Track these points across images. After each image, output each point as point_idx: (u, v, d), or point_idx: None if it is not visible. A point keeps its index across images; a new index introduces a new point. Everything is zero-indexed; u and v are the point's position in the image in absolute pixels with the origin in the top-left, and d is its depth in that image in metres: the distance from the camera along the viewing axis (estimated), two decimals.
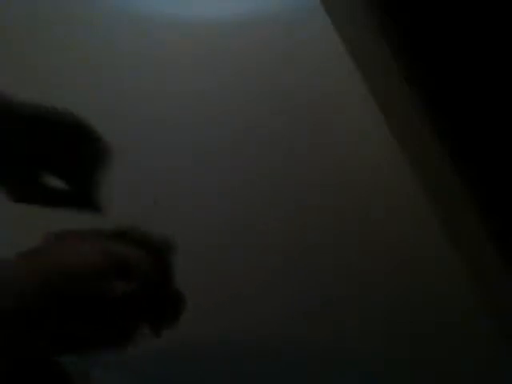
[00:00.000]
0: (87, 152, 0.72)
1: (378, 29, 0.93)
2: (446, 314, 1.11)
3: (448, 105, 0.86)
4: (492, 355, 1.07)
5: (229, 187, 1.17)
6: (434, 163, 1.04)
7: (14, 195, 0.70)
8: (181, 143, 1.21)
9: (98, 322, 0.61)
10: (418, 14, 0.82)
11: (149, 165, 1.16)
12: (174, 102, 1.24)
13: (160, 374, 1.03)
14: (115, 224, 0.67)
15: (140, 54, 1.27)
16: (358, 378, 1.06)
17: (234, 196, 1.17)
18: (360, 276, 1.14)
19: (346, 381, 1.07)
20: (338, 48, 1.14)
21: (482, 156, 0.86)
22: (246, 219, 1.16)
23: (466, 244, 1.09)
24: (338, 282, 1.13)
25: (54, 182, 0.74)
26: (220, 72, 1.27)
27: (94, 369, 0.96)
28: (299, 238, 1.16)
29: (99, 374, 0.97)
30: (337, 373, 1.06)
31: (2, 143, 0.67)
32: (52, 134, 0.69)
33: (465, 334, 1.09)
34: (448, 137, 0.89)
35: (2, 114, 0.66)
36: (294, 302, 1.11)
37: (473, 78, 0.81)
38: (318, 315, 1.10)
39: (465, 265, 1.11)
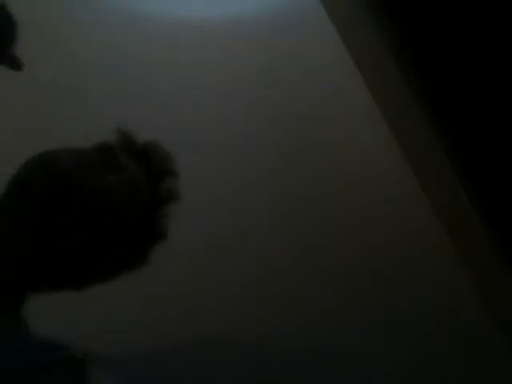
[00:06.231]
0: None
1: (378, 29, 0.93)
2: (446, 314, 1.11)
3: (447, 104, 0.86)
4: (492, 355, 1.07)
5: (229, 188, 1.17)
6: (433, 163, 1.04)
7: None
8: (179, 144, 1.20)
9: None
10: (417, 14, 0.82)
11: None
12: (174, 100, 1.24)
13: (159, 373, 1.03)
14: None
15: (140, 54, 1.27)
16: (358, 379, 1.06)
17: (234, 197, 1.17)
18: (360, 276, 1.14)
19: (346, 381, 1.07)
20: (337, 48, 1.14)
21: (482, 156, 0.86)
22: (246, 220, 1.16)
23: (467, 244, 1.09)
24: (338, 282, 1.13)
25: None
26: (220, 71, 1.27)
27: (94, 369, 0.96)
28: (299, 238, 1.16)
29: (99, 374, 0.97)
30: (337, 373, 1.07)
31: None
32: None
33: (465, 334, 1.09)
34: (448, 135, 0.89)
35: None
36: (294, 303, 1.11)
37: (472, 77, 0.81)
38: (318, 315, 1.10)
39: (465, 265, 1.11)
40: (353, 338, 1.09)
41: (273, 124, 1.24)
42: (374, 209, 1.18)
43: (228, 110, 1.23)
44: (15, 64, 0.78)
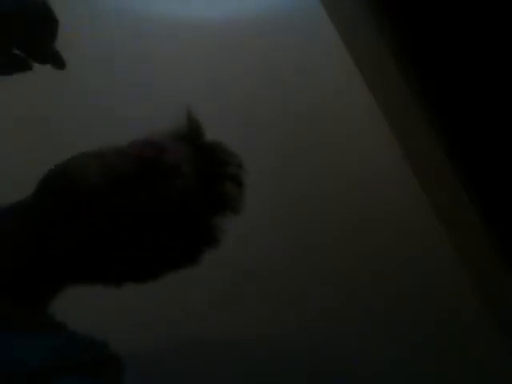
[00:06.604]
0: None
1: (378, 29, 0.93)
2: (446, 314, 1.11)
3: (447, 104, 0.86)
4: (492, 355, 1.07)
5: None
6: (433, 163, 1.04)
7: None
8: None
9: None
10: (417, 14, 0.82)
11: None
12: (174, 101, 1.23)
13: (160, 373, 1.03)
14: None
15: (140, 54, 1.26)
16: (358, 379, 1.06)
17: None
18: (360, 276, 1.14)
19: (346, 381, 1.07)
20: (337, 48, 1.14)
21: (482, 156, 0.86)
22: (246, 220, 1.16)
23: (467, 244, 1.09)
24: (338, 282, 1.13)
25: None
26: (220, 71, 1.27)
27: None
28: (299, 238, 1.16)
29: None
30: (337, 373, 1.07)
31: None
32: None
33: (465, 334, 1.09)
34: (448, 135, 0.89)
35: None
36: (294, 303, 1.11)
37: (472, 77, 0.81)
38: (318, 315, 1.10)
39: (465, 265, 1.11)
40: (353, 338, 1.09)
41: (273, 124, 1.24)
42: (374, 209, 1.18)
43: (228, 109, 1.23)
44: (60, 62, 0.75)
